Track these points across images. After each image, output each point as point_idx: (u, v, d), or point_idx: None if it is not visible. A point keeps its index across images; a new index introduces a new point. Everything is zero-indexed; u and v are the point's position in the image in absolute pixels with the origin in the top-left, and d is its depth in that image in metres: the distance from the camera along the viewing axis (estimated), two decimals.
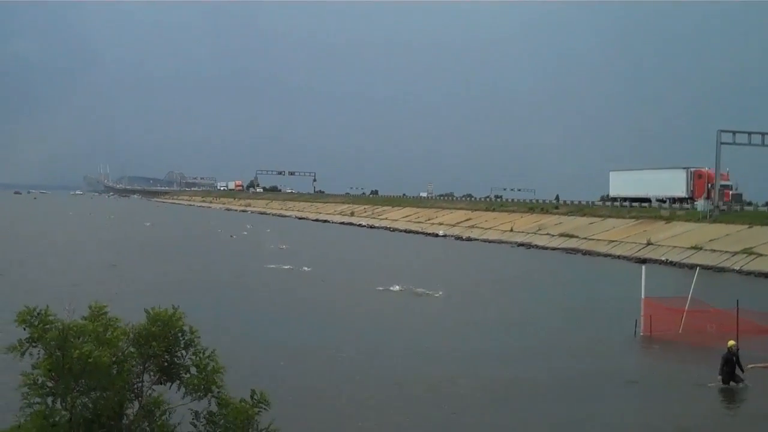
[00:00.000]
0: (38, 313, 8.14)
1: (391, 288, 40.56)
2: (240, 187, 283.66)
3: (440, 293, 39.46)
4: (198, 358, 8.44)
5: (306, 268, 49.68)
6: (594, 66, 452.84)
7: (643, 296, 30.17)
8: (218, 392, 8.35)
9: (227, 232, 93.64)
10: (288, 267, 50.48)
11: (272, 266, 51.10)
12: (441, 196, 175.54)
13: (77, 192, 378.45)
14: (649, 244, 74.58)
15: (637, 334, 29.87)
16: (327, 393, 20.70)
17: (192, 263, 52.75)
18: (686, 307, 30.11)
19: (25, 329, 8.11)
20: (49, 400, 7.90)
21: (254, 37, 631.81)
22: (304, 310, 34.66)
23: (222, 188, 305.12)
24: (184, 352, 8.52)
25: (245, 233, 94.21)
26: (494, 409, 20.15)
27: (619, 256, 72.56)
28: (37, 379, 7.90)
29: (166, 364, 8.46)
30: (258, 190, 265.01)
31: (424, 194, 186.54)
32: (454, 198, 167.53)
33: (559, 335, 30.77)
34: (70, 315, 8.32)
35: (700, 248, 68.28)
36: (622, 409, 21.02)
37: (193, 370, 8.43)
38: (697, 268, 38.47)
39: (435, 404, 20.21)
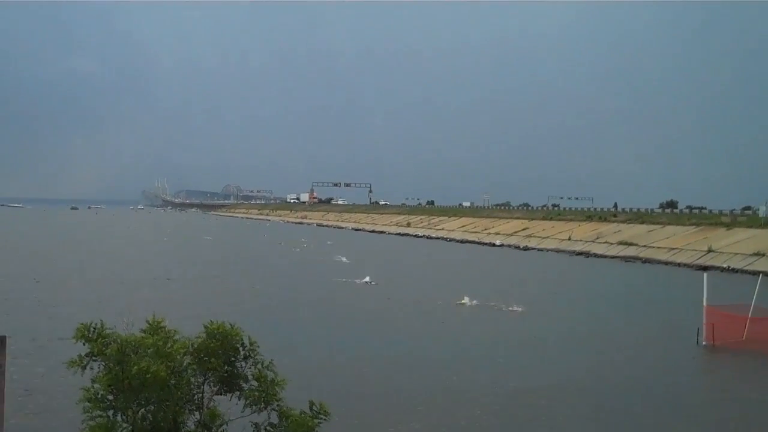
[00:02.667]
0: (94, 328, 8.28)
1: (464, 302, 39.58)
2: (315, 199, 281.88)
3: (514, 307, 38.52)
4: (257, 369, 8.51)
5: (373, 282, 49.28)
6: (650, 64, 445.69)
7: (705, 304, 29.67)
8: (278, 405, 8.40)
9: (288, 245, 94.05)
10: (355, 281, 49.87)
11: (339, 280, 50.79)
12: (497, 205, 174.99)
13: (139, 207, 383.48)
14: (710, 251, 73.48)
15: (699, 342, 29.37)
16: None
17: (258, 278, 52.82)
18: (749, 315, 29.56)
19: (84, 344, 8.26)
20: (110, 413, 8.01)
21: (311, 50, 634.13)
22: (382, 325, 33.93)
23: (293, 200, 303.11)
24: (243, 363, 8.60)
25: (305, 246, 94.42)
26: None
27: (679, 264, 71.65)
28: (98, 393, 8.02)
29: (225, 375, 8.53)
30: (341, 202, 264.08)
31: (467, 204, 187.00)
32: (511, 207, 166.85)
33: (628, 347, 30.20)
34: (128, 328, 8.44)
35: (763, 254, 67.08)
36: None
37: (253, 381, 8.50)
38: (761, 274, 37.73)
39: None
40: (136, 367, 7.85)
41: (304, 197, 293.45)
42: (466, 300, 39.77)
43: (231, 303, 36.46)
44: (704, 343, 29.27)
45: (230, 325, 8.60)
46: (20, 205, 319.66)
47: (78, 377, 8.31)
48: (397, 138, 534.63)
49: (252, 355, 8.59)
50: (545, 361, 27.19)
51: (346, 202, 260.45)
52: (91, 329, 8.29)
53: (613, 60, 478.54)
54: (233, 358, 8.54)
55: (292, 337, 28.90)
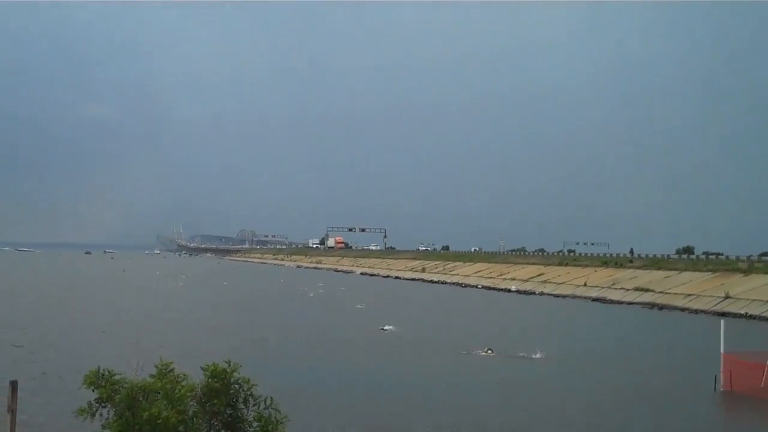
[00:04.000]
0: (103, 375, 8.30)
1: (481, 352, 38.99)
2: (342, 245, 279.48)
3: (533, 355, 38.08)
4: (258, 409, 8.51)
5: (389, 327, 49.17)
6: (666, 106, 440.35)
7: (722, 351, 29.40)
8: None
9: (307, 290, 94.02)
10: (372, 327, 49.88)
11: (354, 326, 50.67)
12: (513, 251, 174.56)
13: (155, 251, 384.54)
14: (727, 297, 72.87)
15: (717, 389, 29.07)
16: None
17: (275, 323, 52.66)
18: None
19: (93, 391, 8.26)
20: None
21: (330, 97, 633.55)
22: (405, 377, 32.80)
23: (315, 246, 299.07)
24: (243, 406, 8.60)
25: (321, 291, 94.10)
26: None
27: (696, 311, 71.07)
28: None
29: (229, 419, 8.51)
30: (373, 247, 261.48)
31: (475, 248, 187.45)
32: (527, 253, 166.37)
33: (644, 393, 29.91)
34: (138, 373, 8.44)
35: None
36: None
37: (255, 423, 8.49)
38: None
39: None
40: (146, 413, 7.84)
41: (329, 242, 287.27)
42: (485, 350, 39.26)
43: (251, 350, 36.35)
44: (722, 389, 28.97)
45: (227, 362, 8.64)
46: (29, 249, 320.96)
47: (90, 422, 8.29)
48: (411, 184, 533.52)
49: (252, 396, 8.60)
50: (564, 405, 27.05)
51: (378, 247, 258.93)
52: (100, 376, 8.30)
53: (629, 104, 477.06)
54: (234, 400, 8.54)
55: (311, 386, 28.83)
